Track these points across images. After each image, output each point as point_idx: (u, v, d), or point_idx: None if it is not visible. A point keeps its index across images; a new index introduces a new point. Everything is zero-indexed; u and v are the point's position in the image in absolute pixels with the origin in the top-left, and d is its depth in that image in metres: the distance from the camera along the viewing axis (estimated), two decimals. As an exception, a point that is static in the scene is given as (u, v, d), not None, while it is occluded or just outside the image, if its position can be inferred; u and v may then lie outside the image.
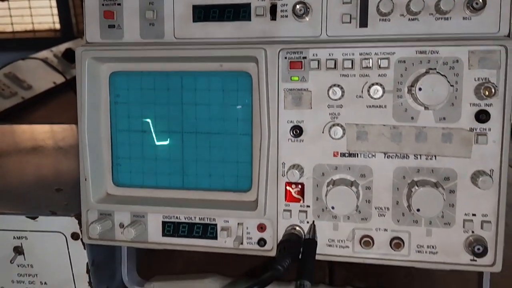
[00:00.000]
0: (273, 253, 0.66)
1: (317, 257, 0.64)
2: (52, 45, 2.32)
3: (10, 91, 1.87)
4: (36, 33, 3.12)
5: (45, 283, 0.70)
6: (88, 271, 0.69)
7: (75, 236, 0.68)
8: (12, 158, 0.98)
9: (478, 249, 0.59)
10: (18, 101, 1.87)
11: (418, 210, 0.59)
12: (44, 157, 0.99)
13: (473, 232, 0.60)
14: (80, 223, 0.68)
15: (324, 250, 0.64)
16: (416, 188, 0.59)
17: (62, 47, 2.32)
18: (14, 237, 0.69)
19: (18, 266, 0.70)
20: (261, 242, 0.65)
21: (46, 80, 2.05)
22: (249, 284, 0.52)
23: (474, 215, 0.60)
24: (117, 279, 0.77)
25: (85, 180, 0.67)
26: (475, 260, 0.61)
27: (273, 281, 0.54)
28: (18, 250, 0.69)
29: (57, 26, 3.10)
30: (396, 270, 0.81)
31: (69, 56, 2.21)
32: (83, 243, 0.68)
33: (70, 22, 3.02)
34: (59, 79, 2.08)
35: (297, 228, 0.64)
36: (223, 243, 0.66)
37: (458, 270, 0.79)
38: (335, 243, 0.64)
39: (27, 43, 2.96)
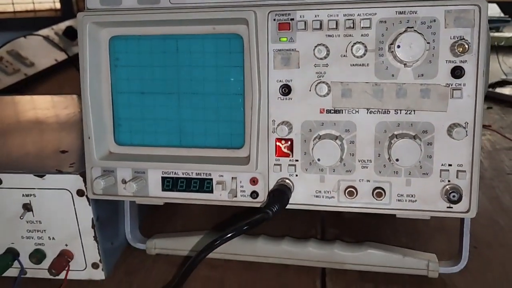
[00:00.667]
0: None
1: (306, 207, 0.69)
2: (52, 24, 2.34)
3: (13, 68, 1.91)
4: (36, 13, 3.13)
5: (53, 238, 0.73)
6: (93, 226, 0.72)
7: (80, 193, 0.71)
8: (18, 126, 1.02)
9: (454, 196, 0.62)
10: (21, 77, 1.91)
11: (397, 160, 0.63)
12: (48, 124, 1.02)
13: (449, 181, 0.64)
14: (85, 181, 0.71)
15: (312, 201, 0.68)
16: (396, 140, 0.63)
17: (63, 25, 2.34)
18: (23, 195, 0.72)
19: (27, 222, 0.73)
20: (254, 194, 0.69)
21: (48, 58, 2.08)
22: (241, 224, 0.56)
23: (450, 165, 0.64)
24: (120, 237, 0.81)
25: (89, 138, 0.71)
26: (451, 207, 0.64)
27: (262, 222, 0.59)
28: (27, 207, 0.72)
29: (57, 5, 3.11)
30: (384, 227, 0.85)
31: (69, 34, 2.23)
32: (88, 200, 0.71)
33: (70, 1, 3.03)
34: (61, 57, 2.11)
35: (287, 180, 0.68)
36: (219, 196, 0.70)
37: (443, 228, 0.84)
38: (321, 194, 0.68)
39: (28, 23, 2.97)
